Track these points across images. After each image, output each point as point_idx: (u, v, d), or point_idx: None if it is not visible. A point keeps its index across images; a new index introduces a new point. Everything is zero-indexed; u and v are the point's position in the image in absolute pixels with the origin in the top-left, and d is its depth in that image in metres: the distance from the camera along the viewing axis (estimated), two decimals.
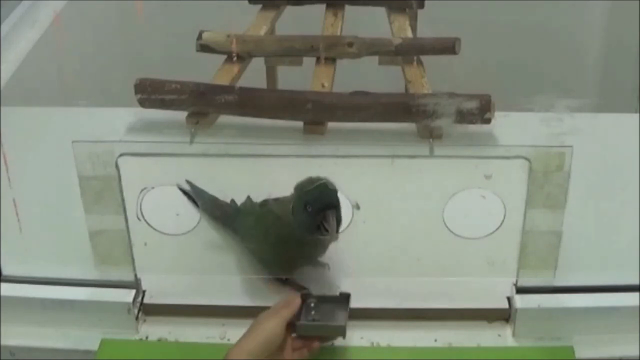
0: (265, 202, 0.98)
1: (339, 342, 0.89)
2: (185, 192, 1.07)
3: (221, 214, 1.04)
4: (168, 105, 1.21)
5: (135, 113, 1.23)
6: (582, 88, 1.82)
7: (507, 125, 1.16)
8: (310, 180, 0.88)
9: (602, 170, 1.12)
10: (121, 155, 0.86)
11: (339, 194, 0.87)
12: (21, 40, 1.45)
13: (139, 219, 0.91)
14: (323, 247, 0.93)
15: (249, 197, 1.02)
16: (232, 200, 1.04)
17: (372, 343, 0.90)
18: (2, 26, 1.46)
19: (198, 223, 0.94)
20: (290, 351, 0.85)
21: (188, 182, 1.06)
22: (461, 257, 0.98)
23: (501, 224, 0.90)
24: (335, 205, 0.87)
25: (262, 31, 1.39)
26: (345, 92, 1.20)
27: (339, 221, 0.87)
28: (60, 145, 0.89)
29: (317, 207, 0.86)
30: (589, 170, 0.99)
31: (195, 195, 1.06)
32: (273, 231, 0.93)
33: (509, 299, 0.93)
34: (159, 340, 0.92)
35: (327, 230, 0.86)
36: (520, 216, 0.87)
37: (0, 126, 0.99)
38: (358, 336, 0.91)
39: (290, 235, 0.89)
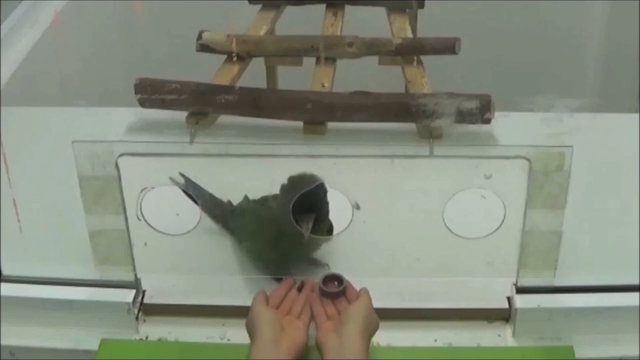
0: (263, 200, 0.98)
1: None
2: (183, 190, 1.06)
3: (220, 212, 1.04)
4: (168, 105, 1.21)
5: (135, 113, 1.23)
6: (582, 88, 1.82)
7: (507, 125, 1.16)
8: (300, 181, 0.89)
9: (602, 170, 1.12)
10: (121, 155, 0.86)
11: (339, 194, 0.88)
12: (21, 40, 1.45)
13: (139, 219, 0.91)
14: (316, 245, 0.95)
15: (245, 197, 1.02)
16: (229, 202, 1.04)
17: (372, 343, 0.90)
18: (2, 26, 1.46)
19: (198, 223, 0.94)
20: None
21: (182, 174, 1.05)
22: (461, 257, 0.98)
23: (501, 224, 0.90)
24: (315, 210, 0.89)
25: (262, 31, 1.39)
26: (345, 92, 1.19)
27: (323, 220, 0.91)
28: (60, 145, 0.89)
29: (300, 211, 0.89)
30: (589, 170, 0.99)
31: (195, 195, 1.05)
32: (268, 227, 0.94)
33: (509, 299, 0.93)
34: (159, 340, 0.92)
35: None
36: (520, 216, 0.87)
37: (0, 126, 0.98)
38: None
39: (284, 231, 0.90)
